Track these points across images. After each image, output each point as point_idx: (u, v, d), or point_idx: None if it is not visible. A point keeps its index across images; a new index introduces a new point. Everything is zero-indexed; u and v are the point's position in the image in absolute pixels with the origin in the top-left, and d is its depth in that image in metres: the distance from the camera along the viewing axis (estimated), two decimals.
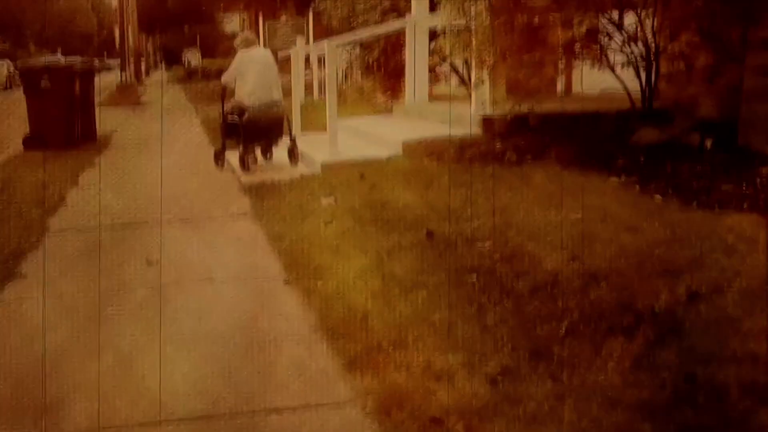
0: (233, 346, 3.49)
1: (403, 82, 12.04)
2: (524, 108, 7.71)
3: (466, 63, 11.74)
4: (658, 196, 5.06)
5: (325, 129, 9.02)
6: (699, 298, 3.15)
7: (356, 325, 3.48)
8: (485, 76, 8.16)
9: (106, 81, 27.82)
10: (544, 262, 3.95)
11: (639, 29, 7.56)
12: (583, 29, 6.75)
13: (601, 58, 7.43)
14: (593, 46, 7.36)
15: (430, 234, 4.78)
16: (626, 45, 7.54)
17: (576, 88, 10.25)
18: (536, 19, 7.42)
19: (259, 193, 7.10)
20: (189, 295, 4.26)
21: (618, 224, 4.47)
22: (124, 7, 25.34)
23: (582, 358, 2.81)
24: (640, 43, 7.57)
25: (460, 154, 7.61)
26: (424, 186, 6.38)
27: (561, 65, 8.89)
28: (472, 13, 7.95)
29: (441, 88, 13.00)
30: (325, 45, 9.02)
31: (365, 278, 4.11)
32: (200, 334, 3.69)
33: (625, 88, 7.63)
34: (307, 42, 15.52)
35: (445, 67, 13.40)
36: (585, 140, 7.27)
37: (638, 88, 7.67)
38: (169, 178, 8.37)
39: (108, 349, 3.56)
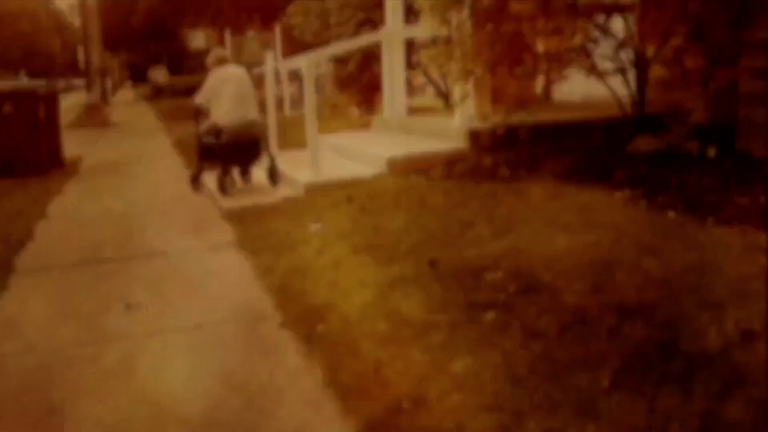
0: (229, 411, 3.11)
1: (380, 95, 11.75)
2: (515, 119, 7.41)
3: (443, 75, 11.52)
4: (671, 213, 4.75)
5: (302, 146, 8.67)
6: (754, 336, 2.83)
7: (369, 379, 3.11)
8: (470, 87, 7.84)
9: (72, 102, 27.37)
10: (565, 295, 3.61)
11: (627, 34, 7.30)
12: (577, 39, 6.45)
13: (591, 66, 7.12)
14: (582, 54, 7.06)
15: (433, 263, 4.44)
16: (615, 51, 7.25)
17: (555, 95, 10.01)
18: (523, 28, 7.10)
19: (241, 219, 6.73)
20: (174, 347, 3.87)
21: (636, 247, 4.15)
22: (88, 26, 24.84)
23: (636, 416, 2.47)
24: (628, 48, 7.30)
25: (448, 170, 7.30)
26: (416, 207, 6.04)
27: (545, 74, 8.62)
28: (455, 22, 7.64)
29: (417, 101, 12.73)
30: (302, 60, 8.66)
31: (371, 319, 3.75)
32: (189, 395, 3.30)
33: (615, 94, 7.35)
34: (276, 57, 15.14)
35: (420, 79, 13.16)
36: (578, 151, 6.99)
37: (625, 94, 7.41)
38: (144, 206, 7.98)
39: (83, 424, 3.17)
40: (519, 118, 7.59)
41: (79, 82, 39.04)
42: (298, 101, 17.21)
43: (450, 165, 7.39)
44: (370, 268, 4.61)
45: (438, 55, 8.06)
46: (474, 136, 7.81)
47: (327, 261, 4.97)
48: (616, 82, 7.50)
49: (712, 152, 6.02)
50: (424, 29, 8.76)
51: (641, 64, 7.31)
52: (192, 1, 30.85)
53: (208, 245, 6.01)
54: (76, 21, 33.36)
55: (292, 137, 10.55)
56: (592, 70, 7.22)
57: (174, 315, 4.38)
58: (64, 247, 6.34)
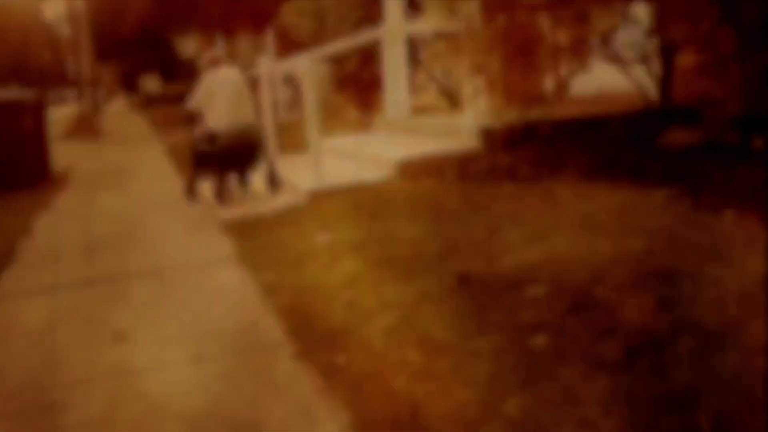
0: None
1: (380, 95, 11.28)
2: (532, 115, 6.89)
3: (447, 71, 11.03)
4: (728, 213, 4.22)
5: (302, 150, 8.16)
6: None
7: (405, 426, 2.58)
8: (481, 83, 7.33)
9: (63, 112, 26.76)
10: (625, 313, 3.09)
11: (652, 19, 6.80)
12: (603, 26, 5.93)
13: (614, 56, 6.62)
14: (605, 43, 6.56)
15: (463, 278, 3.91)
16: (639, 38, 6.76)
17: (571, 88, 9.49)
18: (538, 18, 6.61)
19: (241, 231, 6.19)
20: (170, 386, 3.33)
21: (697, 253, 3.63)
22: (78, 35, 24.32)
23: None
24: (652, 35, 6.81)
25: (463, 171, 6.78)
26: (433, 212, 5.52)
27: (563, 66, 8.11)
28: (463, 15, 7.14)
29: (419, 99, 12.23)
30: (301, 60, 8.14)
31: (399, 346, 3.22)
32: None
33: (638, 85, 6.85)
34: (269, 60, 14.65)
35: (422, 77, 12.67)
36: (603, 147, 6.48)
37: (648, 84, 6.91)
38: (135, 220, 7.44)
39: None
40: (536, 113, 7.08)
41: (70, 92, 38.52)
42: (293, 104, 16.71)
43: (464, 166, 6.87)
44: (390, 284, 4.08)
45: (446, 50, 7.59)
46: (487, 134, 7.30)
47: (340, 277, 4.43)
48: (639, 73, 7.01)
49: (759, 143, 5.50)
50: (428, 23, 8.30)
51: (667, 52, 6.81)
52: (182, 7, 30.32)
53: (207, 261, 5.47)
54: (65, 31, 32.85)
55: (291, 141, 10.04)
56: (616, 60, 6.71)
57: (169, 345, 3.83)
58: (49, 268, 5.80)
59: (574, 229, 4.47)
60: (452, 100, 11.29)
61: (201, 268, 5.32)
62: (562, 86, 7.95)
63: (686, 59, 6.87)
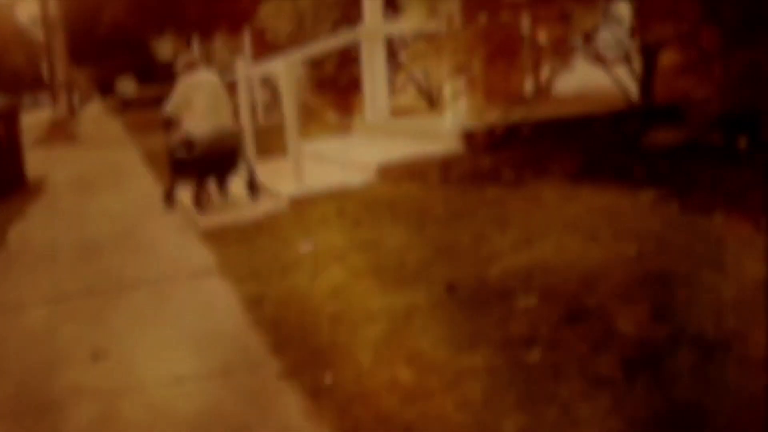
0: None
1: (359, 97, 11.18)
2: (514, 116, 6.80)
3: (426, 73, 10.93)
4: (718, 215, 4.15)
5: (281, 154, 8.04)
6: None
7: None
8: (462, 84, 7.23)
9: (38, 117, 26.43)
10: (620, 325, 3.00)
11: (633, 17, 6.73)
12: (587, 25, 5.85)
13: (597, 55, 6.55)
14: (587, 42, 6.49)
15: (451, 288, 3.81)
16: (620, 37, 6.69)
17: (551, 88, 9.43)
18: (520, 17, 6.53)
19: (221, 239, 6.06)
20: (149, 410, 3.21)
21: (689, 258, 3.55)
22: (51, 38, 24.02)
23: None
24: (634, 33, 6.75)
25: (445, 174, 6.68)
26: (416, 218, 5.41)
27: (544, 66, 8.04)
28: (444, 14, 7.04)
29: (397, 101, 12.13)
30: (280, 63, 8.01)
31: (388, 363, 3.12)
32: None
33: (620, 84, 6.79)
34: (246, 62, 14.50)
35: (402, 78, 12.56)
36: (586, 148, 6.40)
37: (630, 83, 6.85)
38: (113, 229, 7.29)
39: None
40: (518, 114, 6.99)
41: (45, 96, 38.08)
42: (271, 107, 16.55)
43: (446, 169, 6.78)
44: (376, 295, 3.98)
45: (426, 51, 7.48)
46: (469, 136, 7.21)
47: (324, 288, 4.32)
48: (620, 72, 6.95)
49: (743, 143, 5.44)
50: (408, 23, 8.19)
51: (649, 51, 6.75)
52: (158, 9, 30.04)
53: (186, 272, 5.34)
54: (40, 34, 32.48)
55: (270, 145, 9.89)
56: (598, 59, 6.64)
57: (149, 365, 3.71)
58: (22, 282, 5.64)
59: (562, 233, 4.39)
60: (431, 101, 11.21)
61: (181, 281, 5.19)
62: (544, 86, 7.89)
63: (668, 58, 6.81)
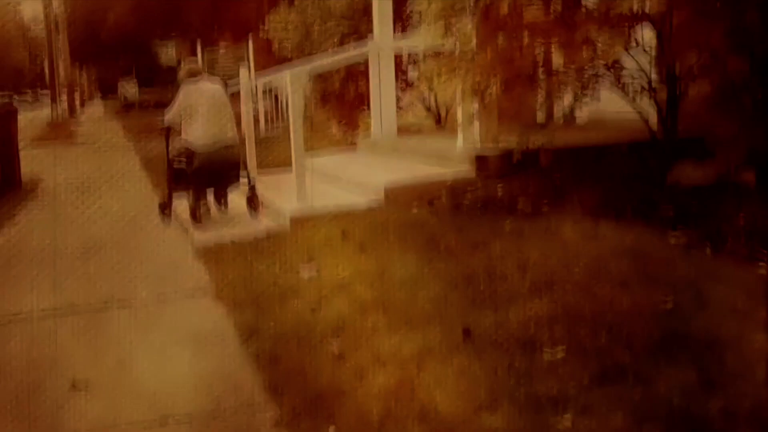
0: None
1: (364, 113, 10.91)
2: (532, 142, 6.48)
3: (434, 92, 10.65)
4: (762, 265, 3.83)
5: (282, 168, 7.74)
6: None
7: None
8: (476, 105, 6.92)
9: (37, 116, 26.06)
10: (661, 388, 2.67)
11: (658, 45, 6.43)
12: (616, 50, 5.55)
13: (621, 83, 6.24)
14: (613, 69, 6.18)
15: (467, 332, 3.49)
16: (644, 65, 6.40)
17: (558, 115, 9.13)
18: (540, 40, 6.22)
19: (218, 258, 5.73)
20: None
21: (734, 316, 3.22)
22: (53, 37, 23.77)
23: None
24: (659, 62, 6.45)
25: (456, 200, 6.36)
26: (427, 247, 5.09)
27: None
28: (460, 32, 6.75)
29: (403, 119, 11.83)
30: (287, 74, 7.71)
31: (400, 419, 2.79)
32: None
33: (642, 114, 6.49)
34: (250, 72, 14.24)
35: (409, 96, 12.27)
36: (607, 181, 6.08)
37: (652, 113, 6.55)
38: (105, 239, 6.94)
39: None
40: (534, 140, 6.67)
41: (46, 95, 37.80)
42: (272, 119, 16.27)
43: (457, 194, 6.45)
44: (384, 335, 3.65)
45: (439, 70, 7.18)
46: (482, 160, 6.90)
47: (328, 321, 3.99)
48: (644, 101, 6.64)
49: None
50: (420, 41, 7.91)
51: (673, 80, 6.44)
52: (162, 14, 29.83)
53: (179, 293, 5.00)
54: (43, 33, 32.27)
55: (271, 158, 9.56)
56: (621, 87, 6.34)
57: (132, 401, 3.37)
58: (6, 295, 5.30)
59: (587, 276, 4.07)
60: (438, 120, 10.93)
61: (173, 303, 4.85)
62: (566, 113, 7.59)
63: (693, 89, 6.51)
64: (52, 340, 4.29)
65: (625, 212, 5.23)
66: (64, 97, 23.41)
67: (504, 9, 6.12)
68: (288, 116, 7.53)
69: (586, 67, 6.16)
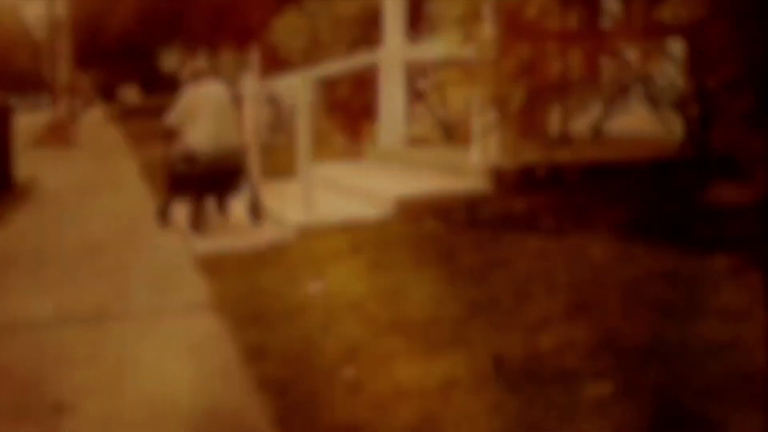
0: None
1: (372, 122, 10.59)
2: (556, 157, 6.13)
3: (444, 102, 10.33)
4: None
5: (286, 176, 7.42)
6: None
7: None
8: (494, 117, 6.57)
9: (37, 118, 25.72)
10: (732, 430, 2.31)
11: (690, 58, 6.11)
12: (647, 62, 5.21)
13: (652, 95, 5.91)
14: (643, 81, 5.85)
15: (498, 360, 3.11)
16: (675, 78, 6.07)
17: (575, 128, 8.78)
18: (568, 51, 5.89)
19: (218, 270, 5.36)
20: None
21: None
22: (55, 40, 23.47)
23: None
24: (689, 76, 6.13)
25: (472, 215, 6.00)
26: (445, 264, 4.73)
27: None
28: (480, 41, 6.41)
29: (411, 129, 11.51)
30: (294, 81, 7.39)
31: None
32: None
33: (675, 130, 6.15)
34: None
35: (420, 106, 11.94)
36: (634, 199, 5.73)
37: (679, 129, 6.23)
38: (100, 246, 6.57)
39: None
40: (558, 154, 6.31)
41: (46, 98, 37.50)
42: (276, 126, 15.94)
43: (473, 209, 6.09)
44: (403, 360, 3.28)
45: (457, 79, 6.84)
46: (499, 174, 6.54)
47: (339, 344, 3.62)
48: (674, 116, 6.32)
49: None
50: (433, 49, 7.59)
51: (704, 94, 6.11)
52: (165, 19, 29.55)
53: (177, 308, 4.63)
54: (45, 35, 32.00)
55: (274, 166, 9.22)
56: (651, 101, 6.00)
57: (124, 426, 2.99)
58: None
59: (623, 301, 3.71)
60: (448, 132, 10.58)
61: (168, 317, 4.47)
62: (593, 127, 7.23)
63: (726, 103, 6.17)
64: (35, 355, 3.91)
65: (656, 233, 4.87)
66: (65, 101, 23.04)
67: (530, 15, 5.81)
68: (292, 123, 7.24)
69: (614, 79, 5.81)
